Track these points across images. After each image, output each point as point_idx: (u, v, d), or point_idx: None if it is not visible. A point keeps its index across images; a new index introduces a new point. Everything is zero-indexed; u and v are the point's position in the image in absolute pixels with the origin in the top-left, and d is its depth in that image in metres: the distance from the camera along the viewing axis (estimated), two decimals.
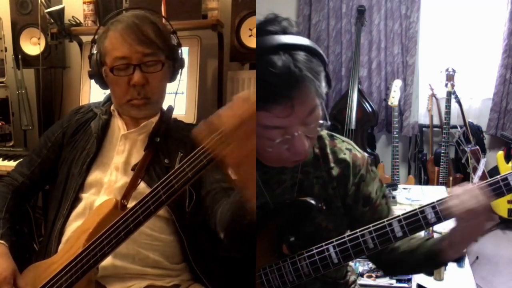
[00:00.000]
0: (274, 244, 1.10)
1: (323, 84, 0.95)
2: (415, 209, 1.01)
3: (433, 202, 1.00)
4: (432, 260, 1.10)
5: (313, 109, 0.95)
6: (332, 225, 1.15)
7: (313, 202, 1.08)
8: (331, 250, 1.05)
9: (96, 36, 1.41)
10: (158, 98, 1.40)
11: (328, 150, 1.15)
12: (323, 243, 1.07)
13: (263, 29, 0.94)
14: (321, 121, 0.99)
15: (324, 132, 1.17)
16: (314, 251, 1.07)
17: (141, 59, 1.31)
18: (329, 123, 1.10)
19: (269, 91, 0.89)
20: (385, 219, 1.04)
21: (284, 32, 0.93)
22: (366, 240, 1.03)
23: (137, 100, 1.34)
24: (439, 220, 1.00)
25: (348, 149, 1.16)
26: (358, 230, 1.05)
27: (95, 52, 1.39)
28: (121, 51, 1.31)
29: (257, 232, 1.08)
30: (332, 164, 1.14)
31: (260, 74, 0.89)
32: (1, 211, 1.39)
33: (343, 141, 1.18)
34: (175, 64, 1.42)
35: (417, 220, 1.01)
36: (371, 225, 1.04)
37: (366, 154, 1.20)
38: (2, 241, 1.31)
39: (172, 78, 1.44)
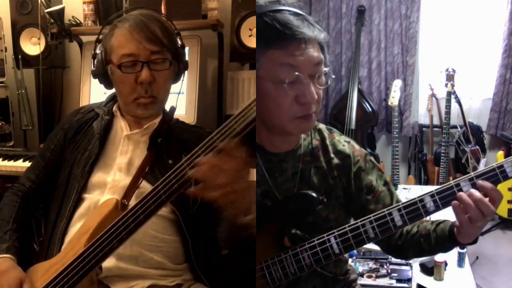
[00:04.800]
0: (276, 238, 1.11)
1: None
2: (415, 198, 1.03)
3: (432, 191, 1.02)
4: (445, 243, 1.12)
5: (319, 62, 1.03)
6: (332, 215, 1.17)
7: (314, 195, 1.09)
8: (333, 240, 1.07)
9: (100, 36, 1.40)
10: (164, 98, 1.40)
11: (328, 142, 1.19)
12: (324, 234, 1.08)
13: None
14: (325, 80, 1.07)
15: (323, 126, 1.22)
16: (316, 242, 1.08)
17: (149, 56, 1.31)
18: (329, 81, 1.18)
19: (285, 29, 0.98)
20: (385, 209, 1.05)
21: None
22: (367, 230, 1.05)
23: (144, 99, 1.34)
24: (437, 208, 1.02)
25: (346, 141, 1.21)
26: (359, 220, 1.06)
27: (99, 51, 1.39)
28: (129, 48, 1.30)
29: (258, 227, 1.08)
30: (332, 155, 1.18)
31: (276, 16, 1.00)
32: (8, 222, 1.36)
33: (340, 135, 1.23)
34: (180, 65, 1.43)
35: (416, 209, 1.03)
36: (371, 215, 1.05)
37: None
38: (8, 255, 1.27)
39: (176, 79, 1.44)
